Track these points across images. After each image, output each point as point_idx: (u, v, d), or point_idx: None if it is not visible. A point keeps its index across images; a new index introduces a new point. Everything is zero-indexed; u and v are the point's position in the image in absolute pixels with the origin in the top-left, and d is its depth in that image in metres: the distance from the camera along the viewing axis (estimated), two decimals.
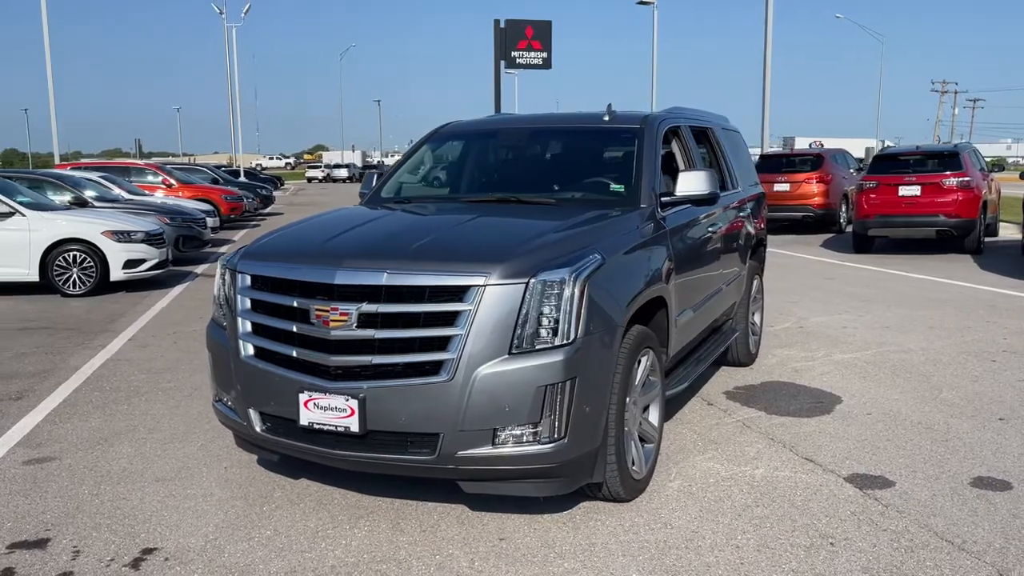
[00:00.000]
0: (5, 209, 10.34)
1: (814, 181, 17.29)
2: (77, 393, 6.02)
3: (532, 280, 3.40)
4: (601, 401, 3.58)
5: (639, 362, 4.02)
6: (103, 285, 10.55)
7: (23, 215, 10.40)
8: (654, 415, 4.28)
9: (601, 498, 3.93)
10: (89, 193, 13.91)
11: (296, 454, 3.79)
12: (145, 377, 6.46)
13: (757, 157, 19.51)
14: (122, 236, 10.66)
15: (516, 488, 3.59)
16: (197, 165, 35.13)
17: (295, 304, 3.61)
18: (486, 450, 3.41)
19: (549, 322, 3.42)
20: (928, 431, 4.98)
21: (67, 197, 13.13)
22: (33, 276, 10.41)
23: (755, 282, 6.60)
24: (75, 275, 10.45)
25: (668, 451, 4.68)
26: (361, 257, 3.60)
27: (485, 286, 3.38)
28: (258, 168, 69.93)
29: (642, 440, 4.17)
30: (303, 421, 3.58)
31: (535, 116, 5.46)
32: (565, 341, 3.42)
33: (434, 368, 3.39)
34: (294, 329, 3.61)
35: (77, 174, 15.51)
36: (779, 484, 4.20)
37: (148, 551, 3.53)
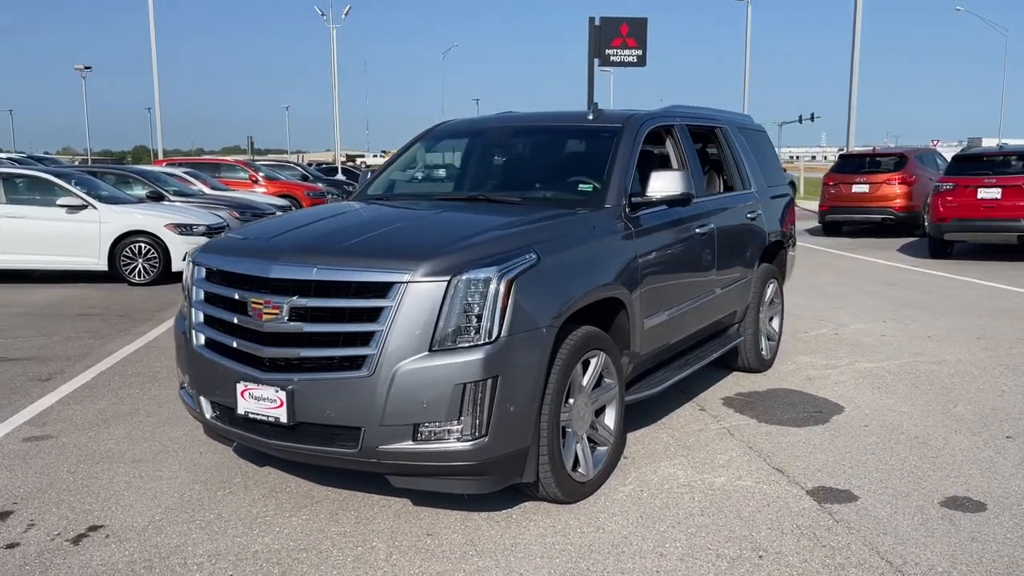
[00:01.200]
0: (78, 202, 10.97)
1: (896, 182, 16.54)
2: (100, 377, 6.36)
3: (455, 278, 3.42)
4: (529, 401, 3.55)
5: (588, 363, 3.98)
6: (166, 275, 11.08)
7: (95, 208, 11.02)
8: (610, 418, 4.22)
9: (541, 499, 3.90)
10: (169, 188, 14.59)
11: (240, 441, 3.92)
12: (168, 364, 6.75)
13: (837, 157, 18.84)
14: (184, 229, 11.16)
15: (442, 484, 3.62)
16: (290, 162, 36.30)
17: (236, 296, 3.73)
18: (407, 445, 3.45)
19: (472, 320, 3.42)
20: (921, 446, 4.74)
21: (146, 191, 13.81)
22: (102, 265, 11.02)
23: (770, 286, 6.40)
24: (140, 265, 11.01)
25: (637, 455, 4.61)
26: (298, 252, 3.69)
27: (408, 283, 3.41)
28: (363, 165, 71.50)
29: (594, 443, 4.13)
30: (240, 410, 3.69)
31: (524, 115, 5.46)
32: (487, 340, 3.42)
33: (357, 363, 3.45)
34: (235, 320, 3.73)
35: (160, 169, 16.31)
36: (735, 494, 4.08)
37: (94, 528, 3.72)
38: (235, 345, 3.73)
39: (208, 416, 3.95)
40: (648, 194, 4.50)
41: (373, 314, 3.44)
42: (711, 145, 6.01)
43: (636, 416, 5.24)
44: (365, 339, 3.44)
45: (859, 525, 3.72)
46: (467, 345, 3.41)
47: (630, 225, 4.40)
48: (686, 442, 4.83)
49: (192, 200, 14.22)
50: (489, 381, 3.42)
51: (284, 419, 3.55)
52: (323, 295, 3.52)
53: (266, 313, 3.59)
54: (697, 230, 5.07)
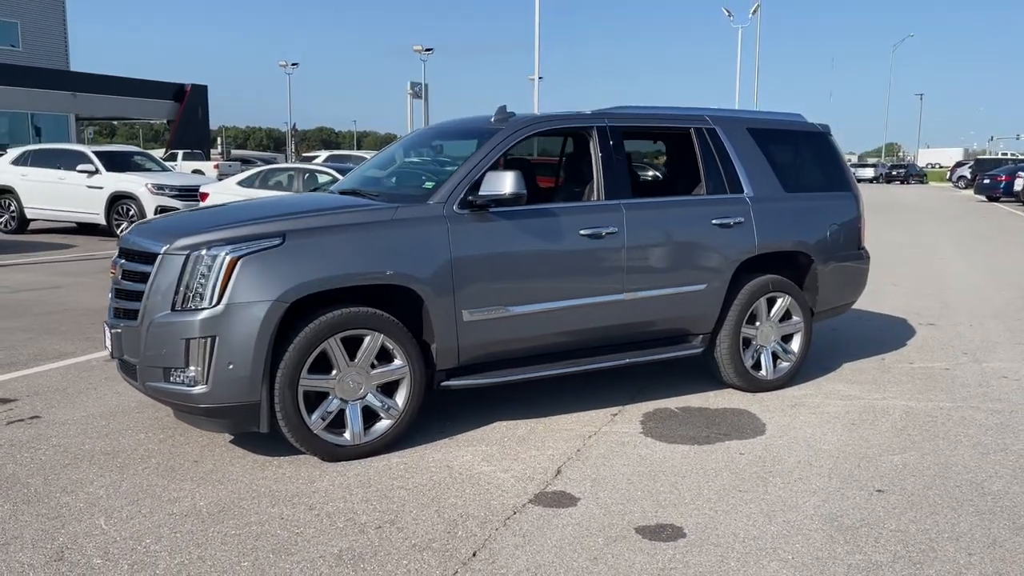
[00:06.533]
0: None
1: None
2: None
3: (192, 253, 4.25)
4: (249, 362, 4.20)
5: (361, 340, 4.48)
6: None
7: None
8: (400, 395, 4.64)
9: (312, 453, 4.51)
10: None
11: None
12: None
13: None
14: None
15: (198, 422, 4.47)
16: None
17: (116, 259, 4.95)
18: (162, 384, 4.36)
19: (200, 288, 4.22)
20: (754, 481, 4.31)
21: None
22: None
23: (778, 302, 5.88)
24: None
25: (466, 439, 4.89)
26: (145, 228, 4.79)
27: (162, 255, 4.33)
28: None
29: (375, 415, 4.60)
30: (105, 345, 4.91)
31: (457, 120, 5.87)
32: (209, 305, 4.19)
33: (135, 315, 4.44)
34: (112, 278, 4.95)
35: None
36: (471, 481, 4.26)
37: (35, 417, 5.22)
38: (109, 296, 4.95)
39: None
40: (480, 192, 4.76)
41: (145, 277, 4.40)
42: (686, 147, 5.77)
43: (533, 408, 5.43)
44: (139, 297, 4.42)
45: (516, 528, 3.75)
46: (194, 308, 4.22)
47: (448, 222, 4.71)
48: (530, 437, 4.95)
49: None
50: (208, 339, 4.18)
51: (114, 354, 4.68)
52: (131, 260, 4.57)
53: (112, 272, 4.75)
54: (582, 231, 5.08)
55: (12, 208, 16.63)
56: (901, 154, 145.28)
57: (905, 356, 7.06)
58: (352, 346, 4.50)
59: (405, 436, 4.73)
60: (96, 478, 4.26)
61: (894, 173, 66.69)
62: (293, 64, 66.88)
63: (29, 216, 16.56)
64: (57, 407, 5.42)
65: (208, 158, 41.77)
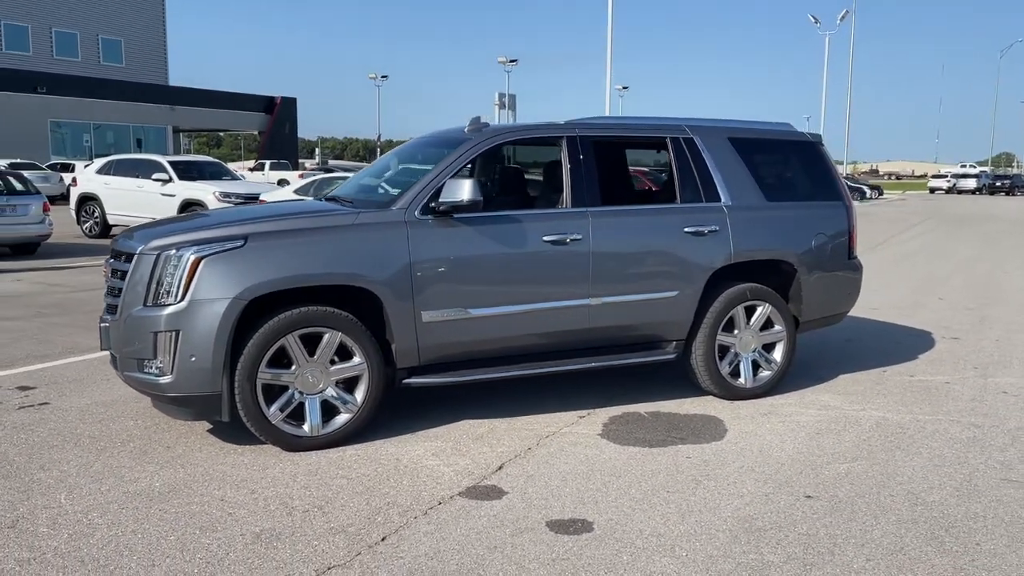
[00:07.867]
0: None
1: None
2: None
3: (162, 253, 4.62)
4: (210, 356, 4.53)
5: (320, 338, 4.76)
6: None
7: None
8: (360, 391, 4.89)
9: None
10: None
11: None
12: None
13: None
14: None
15: (167, 410, 4.82)
16: None
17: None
18: (136, 374, 4.73)
19: (167, 285, 4.58)
20: (687, 483, 4.40)
21: None
22: None
23: (758, 310, 5.89)
24: None
25: (428, 436, 5.11)
26: (135, 232, 5.19)
27: (138, 254, 4.70)
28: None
29: (335, 409, 4.86)
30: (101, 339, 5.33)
31: (438, 131, 6.09)
32: (174, 301, 4.55)
33: (115, 310, 4.84)
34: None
35: None
36: (409, 474, 4.47)
37: (44, 404, 5.69)
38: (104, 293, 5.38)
39: None
40: (440, 199, 4.98)
41: (124, 275, 4.79)
42: (662, 155, 5.86)
43: (505, 407, 5.62)
44: (119, 293, 4.81)
45: (434, 517, 3.95)
46: (162, 303, 4.58)
47: (408, 227, 4.94)
48: (488, 435, 5.12)
49: None
50: (172, 333, 4.53)
51: (103, 346, 5.09)
52: (118, 260, 4.97)
53: (104, 270, 5.17)
54: (546, 238, 5.24)
55: (96, 214, 17.74)
56: (1015, 164, 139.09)
57: (909, 369, 6.93)
58: (312, 343, 4.78)
59: (367, 430, 4.98)
60: (74, 458, 4.66)
61: (998, 184, 63.80)
62: (383, 77, 68.64)
63: (111, 222, 17.62)
64: (67, 395, 5.89)
65: (295, 168, 43.32)
